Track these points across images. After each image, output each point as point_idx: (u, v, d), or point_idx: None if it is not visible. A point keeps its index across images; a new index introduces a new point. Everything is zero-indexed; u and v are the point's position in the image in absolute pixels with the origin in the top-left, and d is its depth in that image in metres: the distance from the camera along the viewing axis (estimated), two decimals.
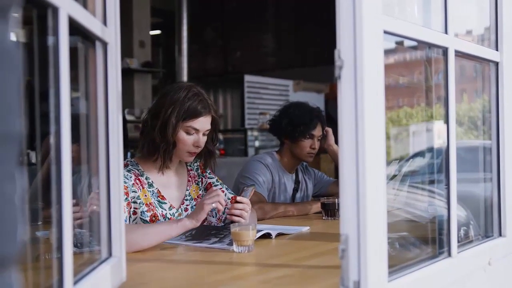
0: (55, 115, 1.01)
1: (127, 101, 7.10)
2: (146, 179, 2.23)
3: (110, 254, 1.37)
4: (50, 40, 1.03)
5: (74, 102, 1.12)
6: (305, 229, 2.36)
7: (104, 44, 1.35)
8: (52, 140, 1.02)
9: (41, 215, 1.30)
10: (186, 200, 2.34)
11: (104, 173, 1.37)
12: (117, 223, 1.39)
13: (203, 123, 2.22)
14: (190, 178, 2.39)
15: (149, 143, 2.21)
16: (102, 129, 1.36)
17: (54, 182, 1.01)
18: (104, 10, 1.36)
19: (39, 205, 1.28)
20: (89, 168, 1.42)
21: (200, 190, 2.40)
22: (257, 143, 7.60)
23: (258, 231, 2.03)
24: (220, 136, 7.74)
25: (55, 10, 1.00)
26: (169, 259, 1.83)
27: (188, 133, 2.20)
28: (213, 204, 1.98)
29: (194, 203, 2.35)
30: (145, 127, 2.24)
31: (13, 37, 0.60)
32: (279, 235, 2.18)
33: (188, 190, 2.36)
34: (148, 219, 2.17)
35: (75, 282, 1.09)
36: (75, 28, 1.12)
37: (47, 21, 1.02)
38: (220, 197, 2.01)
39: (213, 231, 2.13)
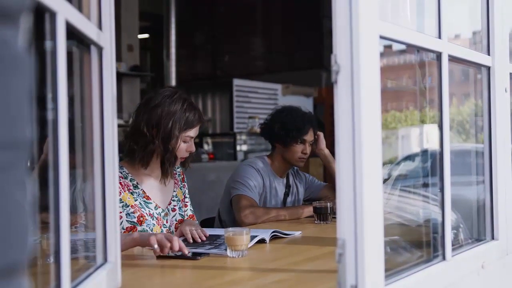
0: (53, 119, 1.00)
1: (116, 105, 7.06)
2: (130, 181, 2.29)
3: (105, 259, 1.36)
4: (47, 44, 1.02)
5: (68, 107, 1.11)
6: (298, 233, 2.36)
7: (100, 49, 1.35)
8: (49, 144, 1.01)
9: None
10: (174, 200, 2.42)
11: (99, 178, 1.36)
12: (112, 229, 1.38)
13: (197, 130, 2.34)
14: (176, 181, 2.47)
15: (149, 154, 2.26)
16: (97, 134, 1.35)
17: (51, 187, 1.00)
18: (99, 15, 1.36)
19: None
20: (83, 172, 1.41)
21: (182, 195, 2.49)
22: (246, 147, 7.59)
23: (252, 236, 2.03)
24: (209, 140, 7.73)
25: (53, 14, 1.00)
26: (164, 265, 1.83)
27: (185, 141, 2.30)
28: (155, 246, 1.83)
29: (181, 204, 2.44)
30: (140, 137, 2.24)
31: (23, 42, 0.59)
32: (273, 238, 2.18)
33: (175, 191, 2.44)
34: (135, 220, 2.23)
35: None
36: (71, 32, 1.12)
37: (43, 25, 1.02)
38: (170, 245, 1.84)
39: (207, 240, 2.13)
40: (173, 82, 8.37)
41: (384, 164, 2.19)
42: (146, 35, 10.11)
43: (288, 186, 3.16)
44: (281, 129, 3.01)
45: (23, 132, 0.59)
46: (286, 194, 3.14)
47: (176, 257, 1.87)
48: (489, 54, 1.84)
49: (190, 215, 2.47)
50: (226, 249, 1.89)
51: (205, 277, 1.65)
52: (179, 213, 2.42)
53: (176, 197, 2.43)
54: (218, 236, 2.19)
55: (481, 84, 1.88)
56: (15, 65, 0.57)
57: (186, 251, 1.86)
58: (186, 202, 2.52)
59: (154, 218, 2.28)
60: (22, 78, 0.58)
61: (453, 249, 1.57)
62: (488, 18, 1.84)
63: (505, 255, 1.85)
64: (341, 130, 1.18)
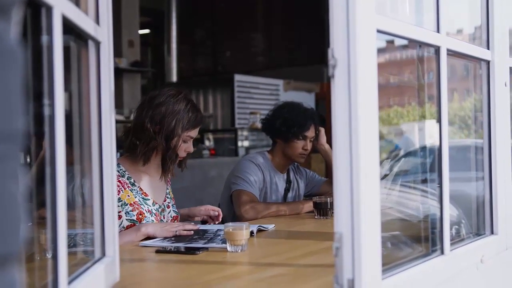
0: (49, 115, 1.00)
1: (116, 101, 7.02)
2: (127, 179, 2.31)
3: (103, 254, 1.37)
4: (44, 39, 1.02)
5: (66, 102, 1.11)
6: (271, 226, 2.39)
7: (97, 44, 1.35)
8: (46, 140, 1.01)
9: (32, 216, 1.29)
10: (168, 197, 2.46)
11: (97, 173, 1.36)
12: (111, 223, 1.38)
13: (197, 131, 2.38)
14: (168, 179, 2.51)
15: (151, 150, 2.29)
16: (95, 129, 1.35)
17: (48, 183, 1.00)
18: (96, 9, 1.36)
19: (31, 206, 1.28)
20: (81, 168, 1.41)
21: (172, 193, 2.53)
22: (247, 143, 7.59)
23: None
24: (210, 136, 7.73)
25: (49, 9, 1.00)
26: (162, 259, 1.83)
27: (184, 141, 2.33)
28: (177, 233, 2.14)
29: (173, 202, 2.49)
30: (143, 133, 2.26)
31: (14, 36, 0.59)
32: (259, 231, 2.23)
33: (168, 189, 2.48)
34: (135, 217, 2.25)
35: (70, 282, 1.09)
36: (68, 27, 1.12)
37: (40, 20, 1.02)
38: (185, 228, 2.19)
39: (195, 236, 2.13)
40: (174, 78, 8.38)
41: (385, 159, 2.20)
42: (147, 31, 10.11)
43: (288, 181, 3.16)
44: (283, 125, 3.01)
45: (16, 124, 0.59)
46: (287, 190, 3.14)
47: (175, 251, 1.88)
48: (488, 48, 1.84)
49: (174, 216, 2.48)
50: (222, 242, 1.90)
51: (203, 272, 1.65)
52: (173, 210, 2.47)
53: (169, 194, 2.49)
54: (205, 231, 2.20)
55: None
56: (7, 58, 0.57)
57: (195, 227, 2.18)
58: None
59: (153, 215, 2.31)
60: (14, 71, 0.58)
61: (452, 244, 1.58)
62: (487, 12, 1.83)
63: (504, 249, 1.85)
64: (338, 124, 1.18)
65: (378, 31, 1.26)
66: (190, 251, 1.87)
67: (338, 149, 1.18)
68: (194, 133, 2.35)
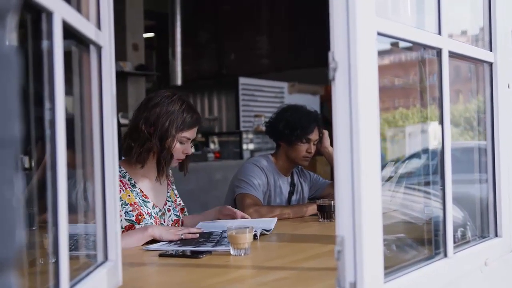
0: (50, 119, 1.00)
1: (121, 104, 7.07)
2: (128, 180, 2.32)
3: (106, 258, 1.37)
4: (44, 44, 1.02)
5: (67, 106, 1.11)
6: (273, 223, 2.40)
7: (98, 48, 1.35)
8: (47, 145, 1.01)
9: (36, 220, 1.30)
10: (168, 201, 2.46)
11: (100, 177, 1.37)
12: (113, 227, 1.39)
13: (195, 132, 2.37)
14: (169, 182, 2.52)
15: (146, 152, 2.29)
16: (97, 134, 1.36)
17: (49, 187, 1.00)
18: (98, 14, 1.36)
19: (34, 210, 1.28)
20: (84, 173, 1.41)
21: (175, 196, 2.53)
22: (252, 146, 7.59)
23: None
24: (215, 139, 7.73)
25: (49, 14, 1.00)
26: (165, 263, 1.83)
27: (181, 142, 2.33)
28: (182, 236, 2.14)
29: (174, 205, 2.49)
30: (138, 134, 2.28)
31: (11, 41, 0.60)
32: (262, 234, 2.22)
33: (169, 192, 2.48)
34: (134, 218, 2.26)
35: (71, 286, 1.09)
36: (69, 32, 1.12)
37: (40, 25, 1.02)
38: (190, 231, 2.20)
39: (201, 239, 2.13)
40: (179, 81, 8.38)
41: (390, 161, 2.19)
42: (151, 34, 10.11)
43: (293, 184, 3.16)
44: (286, 128, 3.01)
45: (12, 130, 0.59)
46: (291, 193, 3.14)
47: (178, 255, 1.88)
48: (491, 50, 1.83)
49: (175, 219, 2.48)
50: (227, 244, 1.90)
51: (207, 276, 1.65)
52: (174, 214, 2.46)
53: (170, 197, 2.48)
54: (210, 234, 2.20)
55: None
56: (3, 64, 0.57)
57: (199, 230, 2.20)
58: (180, 201, 2.56)
59: (152, 217, 2.31)
60: (10, 77, 0.58)
61: (456, 246, 1.57)
62: (490, 13, 1.83)
63: (508, 252, 1.85)
64: (339, 127, 1.18)
65: (379, 33, 1.26)
66: (194, 255, 1.87)
67: (339, 152, 1.18)
68: (190, 134, 2.34)
